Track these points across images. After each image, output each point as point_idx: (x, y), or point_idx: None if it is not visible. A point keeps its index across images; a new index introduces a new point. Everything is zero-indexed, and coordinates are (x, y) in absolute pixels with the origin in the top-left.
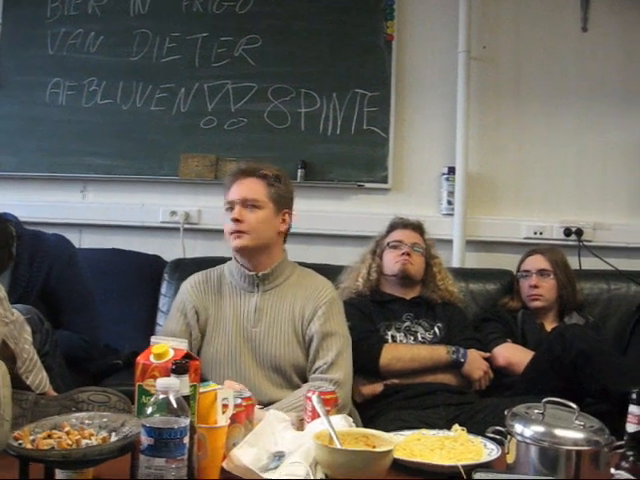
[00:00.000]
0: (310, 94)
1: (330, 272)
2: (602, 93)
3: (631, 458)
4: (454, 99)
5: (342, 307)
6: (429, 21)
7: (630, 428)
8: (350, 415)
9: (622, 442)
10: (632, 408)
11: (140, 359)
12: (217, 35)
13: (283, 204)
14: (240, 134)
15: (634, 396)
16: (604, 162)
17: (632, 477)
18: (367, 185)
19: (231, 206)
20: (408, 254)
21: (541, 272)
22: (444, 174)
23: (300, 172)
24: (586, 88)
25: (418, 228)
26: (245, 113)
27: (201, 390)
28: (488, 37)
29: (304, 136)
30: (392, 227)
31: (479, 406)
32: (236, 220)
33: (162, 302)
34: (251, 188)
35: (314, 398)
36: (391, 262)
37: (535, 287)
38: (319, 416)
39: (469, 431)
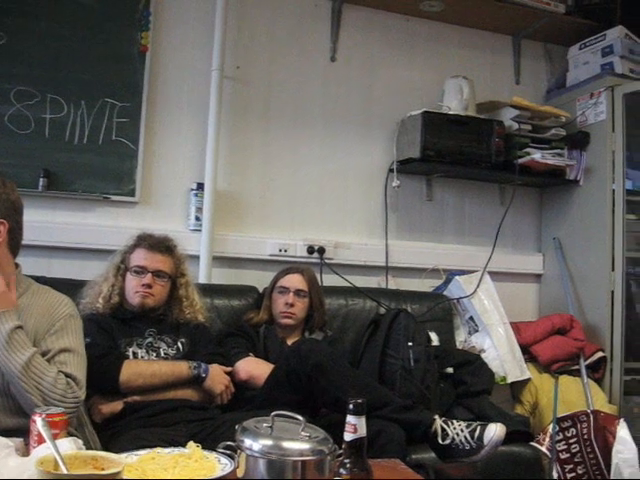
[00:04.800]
0: (57, 100)
1: (73, 287)
2: (345, 120)
3: (348, 465)
4: (206, 116)
5: (80, 325)
6: (185, 36)
7: (347, 437)
8: (87, 437)
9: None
10: (349, 418)
11: None
12: None
13: None
14: None
15: (350, 406)
16: (345, 185)
17: None
18: (113, 197)
19: None
20: (149, 285)
21: (298, 292)
22: (193, 190)
23: (42, 181)
24: (331, 114)
25: (166, 250)
26: None
27: None
28: (242, 58)
29: (48, 143)
30: (138, 243)
31: (220, 421)
32: None
33: None
34: None
35: (39, 421)
36: (131, 291)
37: (291, 305)
38: (45, 440)
39: (210, 447)
